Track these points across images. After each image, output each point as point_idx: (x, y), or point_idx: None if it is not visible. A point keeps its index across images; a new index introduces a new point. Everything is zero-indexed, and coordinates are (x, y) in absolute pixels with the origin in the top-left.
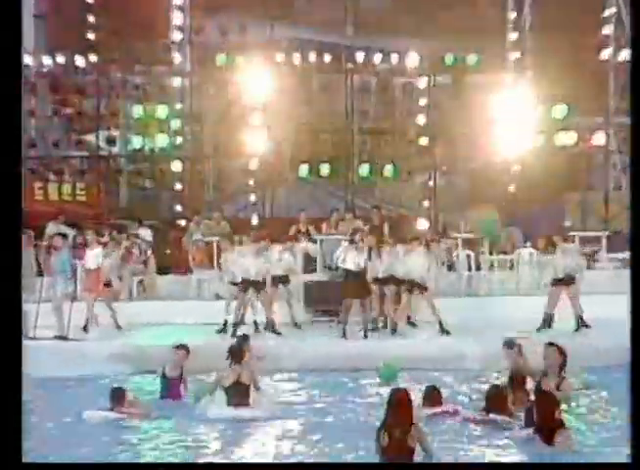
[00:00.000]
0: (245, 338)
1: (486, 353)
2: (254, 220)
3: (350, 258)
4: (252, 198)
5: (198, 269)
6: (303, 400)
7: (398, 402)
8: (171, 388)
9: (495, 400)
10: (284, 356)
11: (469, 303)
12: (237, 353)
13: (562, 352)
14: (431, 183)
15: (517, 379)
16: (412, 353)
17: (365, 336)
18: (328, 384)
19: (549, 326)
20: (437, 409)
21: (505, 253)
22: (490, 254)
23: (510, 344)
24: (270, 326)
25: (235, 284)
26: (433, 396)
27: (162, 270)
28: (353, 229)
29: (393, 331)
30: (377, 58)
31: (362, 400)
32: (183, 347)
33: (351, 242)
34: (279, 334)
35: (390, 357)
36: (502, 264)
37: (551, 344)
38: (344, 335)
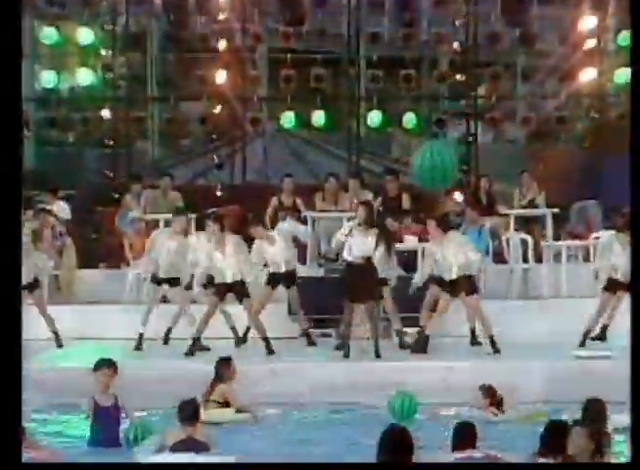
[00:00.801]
0: (225, 364)
1: (548, 380)
2: (219, 191)
3: (357, 246)
4: (216, 158)
5: (137, 262)
6: (287, 453)
7: (393, 446)
8: (106, 423)
9: (556, 441)
10: (265, 385)
11: (525, 307)
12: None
13: (594, 436)
14: (470, 139)
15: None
16: (447, 381)
17: (377, 355)
18: (320, 424)
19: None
20: (472, 454)
21: (578, 237)
22: (556, 238)
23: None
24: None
25: (188, 288)
26: (465, 434)
27: (86, 262)
28: (360, 203)
29: (421, 348)
30: None
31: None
32: (109, 364)
33: (358, 222)
34: (272, 352)
35: (414, 386)
36: (573, 253)
37: (577, 422)
38: (347, 354)
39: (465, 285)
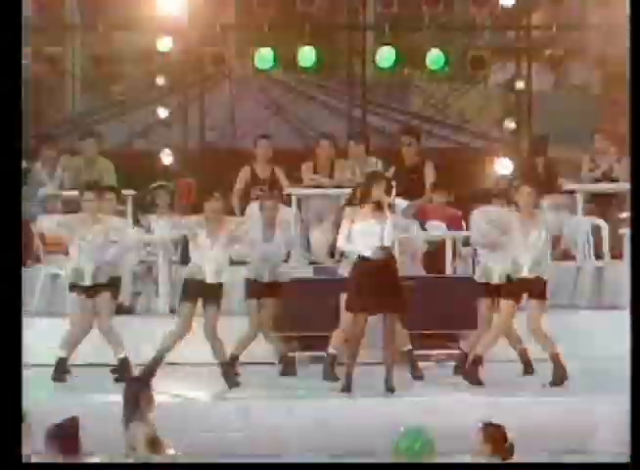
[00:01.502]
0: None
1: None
2: (166, 157)
3: (363, 235)
4: (162, 112)
5: (52, 256)
6: None
7: None
8: None
9: None
10: (225, 432)
11: (597, 320)
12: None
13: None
14: (520, 84)
15: None
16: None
17: (390, 389)
18: None
19: None
20: None
21: None
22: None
23: None
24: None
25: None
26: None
27: None
28: (368, 176)
29: (470, 377)
30: None
31: None
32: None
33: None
34: (236, 385)
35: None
36: None
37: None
38: (348, 387)
39: (537, 288)
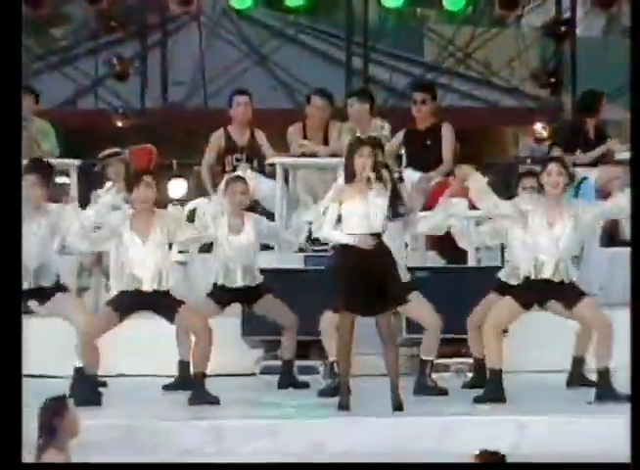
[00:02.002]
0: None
1: None
2: (120, 118)
3: (356, 217)
4: (114, 61)
5: None
6: None
7: None
8: None
9: None
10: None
11: None
12: None
13: None
14: (562, 28)
15: None
16: (517, 446)
17: (397, 407)
18: None
19: None
20: None
21: None
22: None
23: None
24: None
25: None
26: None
27: None
28: (349, 144)
29: (494, 395)
30: None
31: None
32: None
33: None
34: (214, 403)
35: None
36: None
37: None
38: (345, 404)
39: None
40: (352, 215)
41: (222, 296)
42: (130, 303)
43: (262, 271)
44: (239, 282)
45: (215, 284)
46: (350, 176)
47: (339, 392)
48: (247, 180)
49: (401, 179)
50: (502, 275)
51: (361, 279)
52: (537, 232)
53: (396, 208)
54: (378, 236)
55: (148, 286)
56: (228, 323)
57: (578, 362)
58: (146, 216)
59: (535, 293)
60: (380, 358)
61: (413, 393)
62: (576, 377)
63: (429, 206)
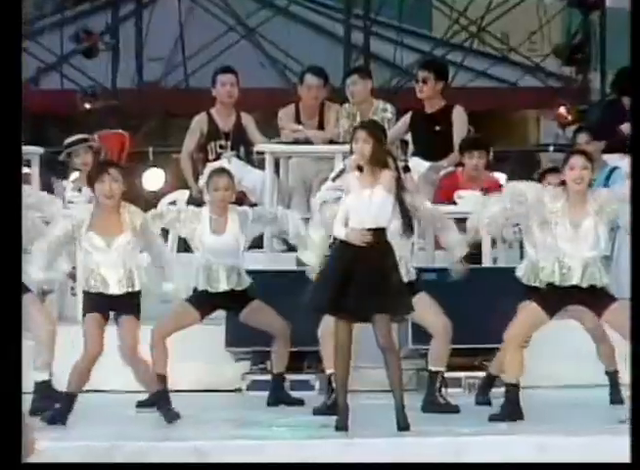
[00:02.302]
0: None
1: None
2: (88, 100)
3: (358, 210)
4: (81, 36)
5: None
6: None
7: None
8: None
9: None
10: None
11: None
12: None
13: None
14: None
15: None
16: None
17: (403, 426)
18: None
19: None
20: None
21: None
22: None
23: None
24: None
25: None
26: None
27: None
28: (363, 127)
29: (511, 413)
30: None
31: None
32: None
33: (359, 165)
34: (176, 417)
35: None
36: None
37: None
38: (343, 424)
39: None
40: (352, 209)
41: (203, 302)
42: (97, 304)
43: (250, 273)
44: (222, 286)
45: (195, 289)
46: (355, 165)
47: (336, 410)
48: (231, 173)
49: (407, 169)
50: (520, 273)
51: (350, 279)
52: (561, 235)
53: (406, 221)
54: (378, 232)
55: (116, 289)
56: (210, 332)
57: (612, 377)
58: (110, 214)
59: (561, 299)
60: (382, 372)
61: (422, 409)
62: (616, 393)
63: (437, 199)
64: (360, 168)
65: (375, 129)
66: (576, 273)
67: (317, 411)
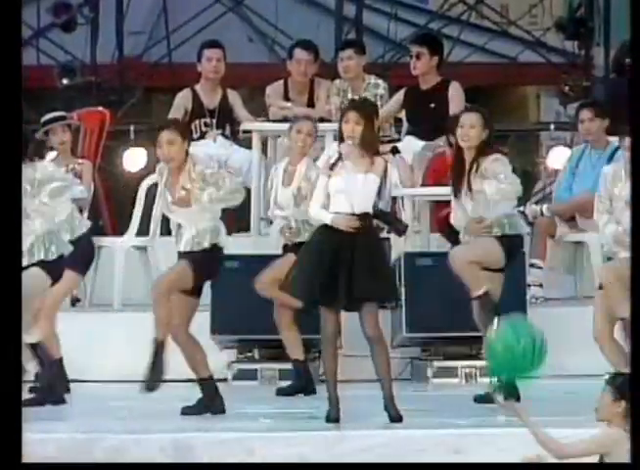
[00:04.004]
0: None
1: None
2: (66, 75)
3: (345, 194)
4: (59, 7)
5: None
6: None
7: None
8: None
9: None
10: None
11: None
12: None
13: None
14: None
15: None
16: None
17: (394, 418)
18: None
19: None
20: None
21: None
22: None
23: None
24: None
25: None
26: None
27: None
28: (357, 105)
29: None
30: None
31: None
32: None
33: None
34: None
35: None
36: None
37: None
38: (334, 415)
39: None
40: (337, 192)
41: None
42: None
43: (236, 257)
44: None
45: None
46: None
47: (300, 390)
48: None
49: (395, 151)
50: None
51: (340, 266)
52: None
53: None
54: (364, 216)
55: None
56: (194, 319)
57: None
58: None
59: None
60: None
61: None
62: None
63: (428, 181)
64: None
65: (366, 109)
66: None
67: (281, 392)
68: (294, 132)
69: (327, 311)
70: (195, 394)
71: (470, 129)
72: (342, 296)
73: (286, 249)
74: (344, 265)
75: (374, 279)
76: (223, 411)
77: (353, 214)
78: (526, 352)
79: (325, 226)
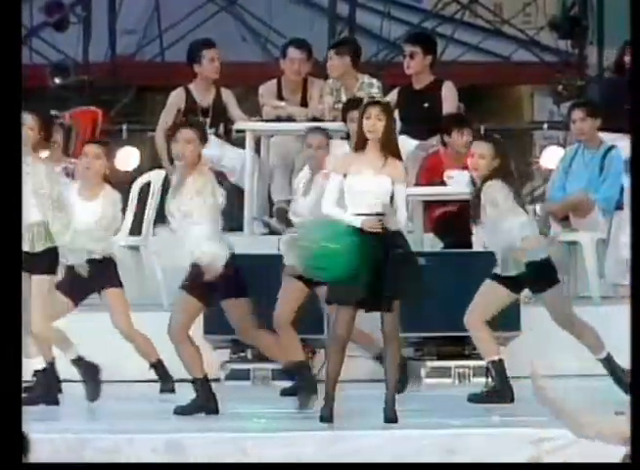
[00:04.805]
0: None
1: None
2: (58, 74)
3: (367, 193)
4: (51, 5)
5: None
6: None
7: None
8: None
9: None
10: None
11: None
12: None
13: None
14: None
15: None
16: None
17: (390, 419)
18: None
19: None
20: None
21: None
22: None
23: None
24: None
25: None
26: None
27: None
28: (378, 103)
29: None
30: None
31: None
32: None
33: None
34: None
35: None
36: None
37: None
38: (328, 415)
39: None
40: (359, 192)
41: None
42: None
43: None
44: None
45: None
46: (359, 143)
47: (303, 391)
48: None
49: None
50: None
51: (369, 268)
52: None
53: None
54: (384, 216)
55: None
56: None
57: (607, 363)
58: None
59: None
60: (365, 362)
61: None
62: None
63: (421, 180)
64: (359, 148)
65: (387, 107)
66: None
67: (284, 392)
68: (305, 145)
69: (345, 312)
70: (185, 393)
71: (479, 159)
72: (371, 295)
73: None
74: (373, 266)
75: (406, 278)
76: (217, 411)
77: (377, 214)
78: None
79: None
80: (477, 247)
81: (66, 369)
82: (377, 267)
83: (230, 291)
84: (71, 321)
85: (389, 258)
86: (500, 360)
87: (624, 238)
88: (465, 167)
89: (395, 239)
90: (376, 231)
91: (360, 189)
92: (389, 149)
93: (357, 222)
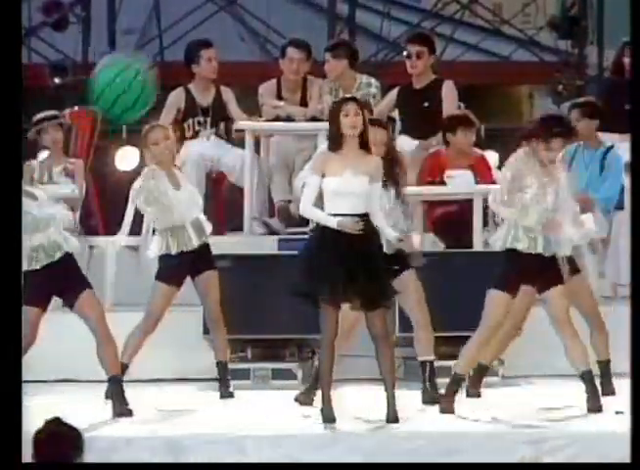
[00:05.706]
0: None
1: None
2: (58, 74)
3: (343, 194)
4: (49, 4)
5: None
6: None
7: None
8: None
9: None
10: None
11: None
12: None
13: None
14: None
15: None
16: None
17: (392, 418)
18: None
19: None
20: None
21: None
22: None
23: None
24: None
25: None
26: None
27: None
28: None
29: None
30: None
31: None
32: None
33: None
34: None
35: None
36: None
37: None
38: (330, 416)
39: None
40: (337, 192)
41: (172, 268)
42: None
43: (228, 257)
44: (194, 242)
45: (162, 257)
46: (336, 143)
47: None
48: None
49: None
50: None
51: (350, 269)
52: None
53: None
54: (364, 217)
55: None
56: (187, 319)
57: (604, 367)
58: None
59: None
60: (367, 360)
61: (422, 401)
62: (607, 384)
63: (422, 180)
64: (337, 147)
65: (361, 102)
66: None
67: (297, 399)
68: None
69: (330, 311)
70: (177, 395)
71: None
72: (356, 296)
73: None
74: (353, 267)
75: (380, 279)
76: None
77: (356, 215)
78: None
79: (325, 229)
80: (477, 247)
81: (62, 369)
82: (350, 267)
83: None
84: (72, 321)
85: (364, 258)
86: None
87: (624, 238)
88: (467, 167)
89: (371, 241)
90: (355, 233)
91: (340, 191)
92: (366, 145)
93: (333, 222)
